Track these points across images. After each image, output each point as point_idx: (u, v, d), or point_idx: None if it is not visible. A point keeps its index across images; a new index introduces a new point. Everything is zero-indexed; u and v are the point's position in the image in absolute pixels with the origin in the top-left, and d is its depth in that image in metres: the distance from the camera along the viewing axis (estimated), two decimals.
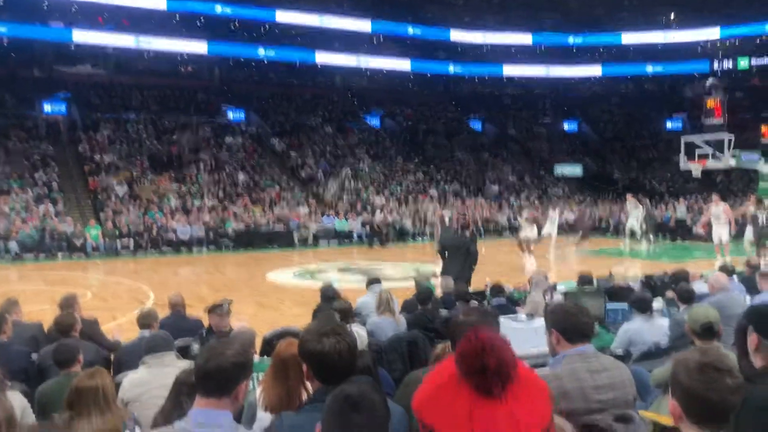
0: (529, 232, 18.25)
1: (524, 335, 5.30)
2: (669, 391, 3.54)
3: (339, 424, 1.73)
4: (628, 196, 23.21)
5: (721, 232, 17.23)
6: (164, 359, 4.04)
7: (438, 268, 16.26)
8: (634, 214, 21.46)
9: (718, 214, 17.45)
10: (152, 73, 37.10)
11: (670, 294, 7.20)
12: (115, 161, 27.19)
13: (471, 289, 9.54)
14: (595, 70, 44.63)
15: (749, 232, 17.26)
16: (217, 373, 2.18)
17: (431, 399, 1.05)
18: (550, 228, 20.54)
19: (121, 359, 5.27)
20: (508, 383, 0.99)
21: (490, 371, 0.98)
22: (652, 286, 8.78)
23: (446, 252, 10.43)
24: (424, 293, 6.53)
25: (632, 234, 21.60)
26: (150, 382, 3.90)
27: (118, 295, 13.23)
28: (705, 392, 1.69)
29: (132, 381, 4.00)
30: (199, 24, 35.30)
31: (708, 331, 3.93)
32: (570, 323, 2.74)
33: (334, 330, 2.29)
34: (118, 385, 3.93)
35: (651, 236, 22.14)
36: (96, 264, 19.11)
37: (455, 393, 0.99)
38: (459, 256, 10.19)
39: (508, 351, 1.00)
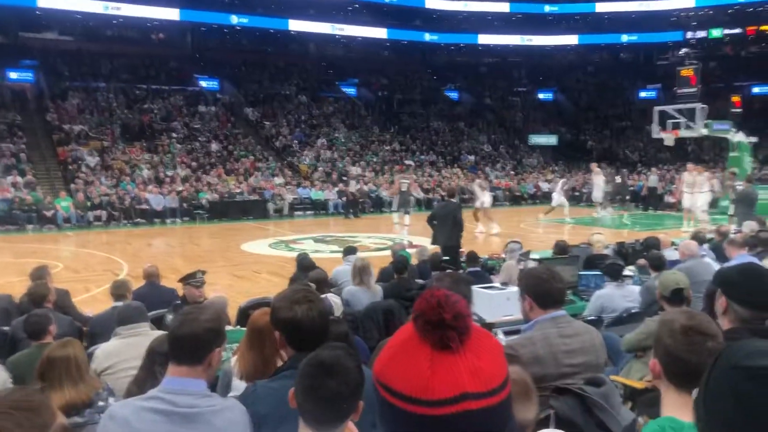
0: (483, 199, 18.84)
1: (498, 303, 5.35)
2: (638, 356, 3.61)
3: (312, 389, 1.73)
4: (592, 166, 23.62)
5: (694, 200, 17.66)
6: (137, 330, 4.01)
7: (404, 235, 16.56)
8: (599, 183, 21.96)
9: (692, 182, 17.84)
10: (122, 41, 36.34)
11: (641, 261, 7.31)
12: (85, 131, 26.68)
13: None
14: (570, 39, 44.68)
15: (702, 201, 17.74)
16: (190, 339, 2.15)
17: (390, 361, 1.06)
18: (559, 198, 20.82)
19: (94, 330, 5.23)
20: (465, 336, 1.02)
21: (446, 324, 1.00)
22: (624, 253, 8.91)
23: (435, 221, 10.45)
24: (400, 262, 6.54)
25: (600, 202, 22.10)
26: (123, 352, 3.88)
27: (90, 266, 13.09)
28: (686, 354, 1.73)
29: (105, 351, 3.97)
30: None
31: (677, 296, 4.00)
32: (542, 289, 2.76)
33: (305, 297, 2.28)
34: (91, 356, 3.91)
35: (610, 204, 22.57)
36: (67, 236, 18.85)
37: (414, 351, 1.01)
38: (447, 224, 10.24)
39: (464, 305, 1.03)
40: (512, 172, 32.69)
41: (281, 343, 2.33)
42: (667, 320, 1.85)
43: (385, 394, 1.04)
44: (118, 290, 5.55)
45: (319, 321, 2.26)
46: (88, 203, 20.98)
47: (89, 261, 13.87)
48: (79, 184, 22.04)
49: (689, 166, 19.39)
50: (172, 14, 33.94)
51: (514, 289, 4.69)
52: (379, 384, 1.06)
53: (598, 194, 22.19)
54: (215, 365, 2.24)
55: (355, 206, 23.94)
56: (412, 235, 17.36)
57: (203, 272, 5.94)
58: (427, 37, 42.37)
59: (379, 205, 25.73)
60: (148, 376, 3.01)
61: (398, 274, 6.42)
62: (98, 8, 31.68)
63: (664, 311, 4.09)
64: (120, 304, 5.04)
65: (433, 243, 10.42)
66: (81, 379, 3.12)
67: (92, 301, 8.78)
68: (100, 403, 3.07)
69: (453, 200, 11.28)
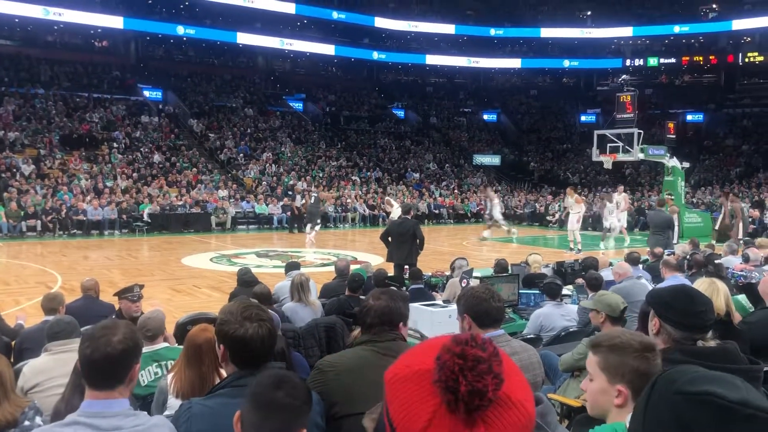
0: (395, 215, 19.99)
1: (440, 320, 5.38)
2: (575, 375, 3.67)
3: (262, 398, 1.73)
4: (489, 190, 24.74)
5: (620, 219, 19.31)
6: (69, 345, 3.85)
7: (310, 248, 16.86)
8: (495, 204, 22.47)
9: (620, 201, 19.32)
10: (64, 47, 35.38)
11: (579, 281, 7.47)
12: (21, 138, 25.79)
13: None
14: (514, 63, 45.74)
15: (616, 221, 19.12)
16: (106, 363, 2.03)
17: (404, 378, 0.94)
18: (613, 220, 19.46)
19: (23, 345, 5.01)
20: (479, 411, 0.88)
21: (459, 396, 0.87)
22: (563, 273, 9.10)
23: (389, 237, 10.35)
24: (356, 281, 6.47)
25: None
26: (53, 369, 3.72)
27: (22, 278, 12.59)
28: (651, 369, 1.82)
29: (33, 368, 3.79)
30: None
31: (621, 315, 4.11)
32: (482, 308, 2.78)
33: (258, 315, 2.21)
34: (18, 372, 3.74)
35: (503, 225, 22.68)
36: None
37: (425, 391, 0.89)
38: (405, 241, 10.14)
39: (491, 379, 0.88)
40: (456, 191, 33.08)
41: (224, 356, 2.26)
42: (624, 343, 1.90)
43: (385, 405, 0.96)
44: (50, 303, 5.32)
45: (267, 341, 2.21)
46: (22, 212, 20.21)
47: (21, 273, 13.34)
48: (12, 192, 21.24)
49: (619, 188, 20.48)
50: (115, 22, 33.26)
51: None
52: (386, 390, 0.97)
53: (497, 215, 22.19)
54: (135, 379, 2.17)
55: (299, 221, 23.77)
56: (358, 251, 17.33)
57: (141, 286, 5.78)
58: (375, 55, 42.72)
59: (324, 221, 25.62)
60: (75, 394, 2.89)
61: (352, 292, 6.36)
62: (39, 13, 30.77)
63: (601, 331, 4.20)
64: (51, 318, 4.85)
65: (388, 260, 10.36)
66: (5, 397, 2.98)
67: (22, 314, 8.42)
68: (26, 423, 2.93)
69: (408, 217, 11.11)
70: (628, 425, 1.19)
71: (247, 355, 2.19)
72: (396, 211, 19.28)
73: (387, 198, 21.54)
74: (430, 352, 0.94)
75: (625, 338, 1.93)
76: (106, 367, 2.04)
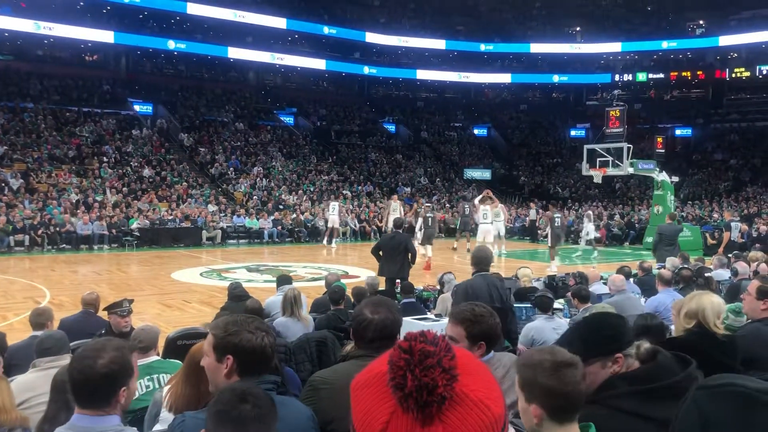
0: (335, 221, 23.32)
1: None
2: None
3: (226, 413, 1.70)
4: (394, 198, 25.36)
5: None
6: (58, 361, 3.80)
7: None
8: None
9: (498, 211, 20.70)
10: (53, 61, 35.28)
11: (570, 294, 7.48)
12: (8, 152, 25.65)
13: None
14: (504, 77, 46.02)
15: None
16: (88, 386, 2.04)
17: (364, 385, 0.93)
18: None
19: (11, 361, 4.94)
20: (432, 408, 0.85)
21: (406, 393, 0.85)
22: (554, 287, 9.11)
23: (381, 252, 10.30)
24: (336, 293, 6.47)
25: None
26: (41, 386, 3.66)
27: (10, 294, 12.47)
28: (564, 388, 1.76)
29: (20, 384, 3.74)
30: (105, 11, 33.90)
31: None
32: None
33: (259, 326, 2.23)
34: None
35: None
36: None
37: (384, 393, 0.88)
38: (397, 255, 10.09)
39: (441, 371, 0.85)
40: (447, 205, 33.12)
41: (231, 370, 2.21)
42: (535, 362, 1.83)
43: (350, 413, 0.96)
44: (39, 318, 5.27)
45: (269, 351, 2.21)
46: (10, 227, 20.05)
47: (9, 288, 13.21)
48: (0, 207, 21.09)
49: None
50: (106, 36, 33.24)
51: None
52: (351, 396, 0.96)
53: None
54: (129, 399, 2.14)
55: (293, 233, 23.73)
56: (349, 266, 17.29)
57: (130, 301, 5.74)
58: (366, 70, 42.87)
59: (314, 235, 25.57)
60: (60, 409, 2.83)
61: (334, 305, 6.36)
62: (29, 27, 30.70)
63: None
64: (40, 333, 4.79)
65: (380, 274, 10.31)
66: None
67: (9, 330, 8.34)
68: None
69: (400, 231, 11.06)
70: None
71: (256, 364, 2.18)
72: (393, 214, 19.57)
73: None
74: (385, 359, 0.93)
75: (539, 356, 1.86)
76: (88, 390, 2.04)
